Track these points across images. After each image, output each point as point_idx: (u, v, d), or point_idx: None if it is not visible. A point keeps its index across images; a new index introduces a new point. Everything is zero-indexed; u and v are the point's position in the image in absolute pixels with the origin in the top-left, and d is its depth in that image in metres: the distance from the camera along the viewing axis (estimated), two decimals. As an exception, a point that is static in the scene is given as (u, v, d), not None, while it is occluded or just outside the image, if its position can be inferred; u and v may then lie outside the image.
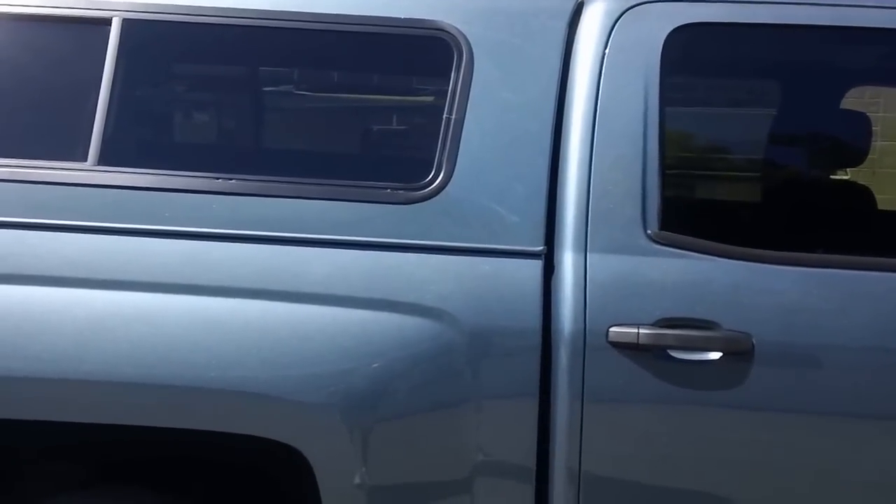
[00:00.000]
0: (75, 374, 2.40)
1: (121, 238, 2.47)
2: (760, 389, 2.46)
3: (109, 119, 2.53)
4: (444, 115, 2.55)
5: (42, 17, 2.62)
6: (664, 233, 2.49)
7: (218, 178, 2.52)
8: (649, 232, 2.49)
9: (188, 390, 2.41)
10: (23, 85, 2.66)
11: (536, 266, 2.48)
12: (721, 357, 2.44)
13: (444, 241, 2.48)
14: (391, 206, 2.50)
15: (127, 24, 2.58)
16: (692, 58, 2.65)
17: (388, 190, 2.52)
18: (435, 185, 2.51)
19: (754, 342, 2.44)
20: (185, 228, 2.48)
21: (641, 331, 2.43)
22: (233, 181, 2.51)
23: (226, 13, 2.60)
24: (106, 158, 2.52)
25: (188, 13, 2.60)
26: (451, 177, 2.51)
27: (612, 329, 2.44)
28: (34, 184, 2.50)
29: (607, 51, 2.56)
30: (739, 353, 2.44)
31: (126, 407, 2.44)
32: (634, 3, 2.58)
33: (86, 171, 2.51)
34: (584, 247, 2.49)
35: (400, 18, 2.58)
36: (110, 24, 2.58)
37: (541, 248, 2.49)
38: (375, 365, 2.43)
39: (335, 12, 2.59)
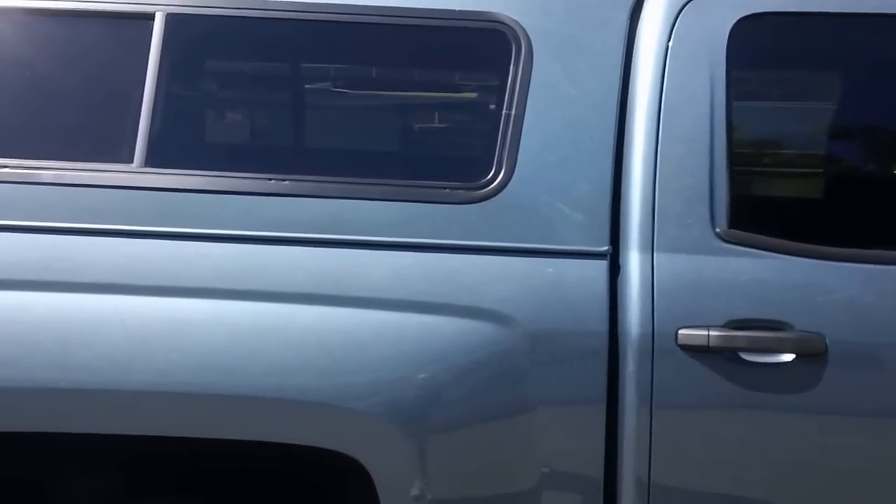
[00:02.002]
0: (124, 385, 2.31)
1: (170, 242, 2.38)
2: (833, 392, 2.37)
3: (155, 119, 2.43)
4: (503, 111, 2.45)
5: (82, 12, 2.51)
6: (733, 231, 2.41)
7: (270, 180, 2.42)
8: (718, 230, 2.40)
9: (241, 400, 2.33)
10: (63, 84, 2.56)
11: (602, 267, 2.39)
12: (794, 359, 2.36)
13: (506, 241, 2.39)
14: (450, 206, 2.41)
15: (171, 19, 2.47)
16: (759, 49, 2.56)
17: (447, 189, 2.42)
18: (495, 183, 2.42)
19: (827, 343, 2.35)
20: (237, 232, 2.38)
21: (712, 333, 2.34)
22: (286, 182, 2.42)
23: (273, 6, 2.50)
24: (152, 160, 2.42)
25: (234, 6, 2.50)
26: (511, 175, 2.42)
27: (681, 331, 2.36)
28: (77, 187, 2.40)
29: (671, 43, 2.47)
30: (812, 354, 2.36)
31: (177, 418, 2.35)
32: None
33: (132, 174, 2.41)
34: (650, 246, 2.40)
35: (455, 11, 2.48)
36: (153, 19, 2.47)
37: (606, 247, 2.40)
38: (436, 372, 2.34)
39: (387, 5, 2.49)
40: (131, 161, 2.42)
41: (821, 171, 2.89)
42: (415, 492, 2.35)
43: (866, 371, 2.39)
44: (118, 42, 2.54)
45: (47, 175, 2.40)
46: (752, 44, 2.50)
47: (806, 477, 2.41)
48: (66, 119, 2.55)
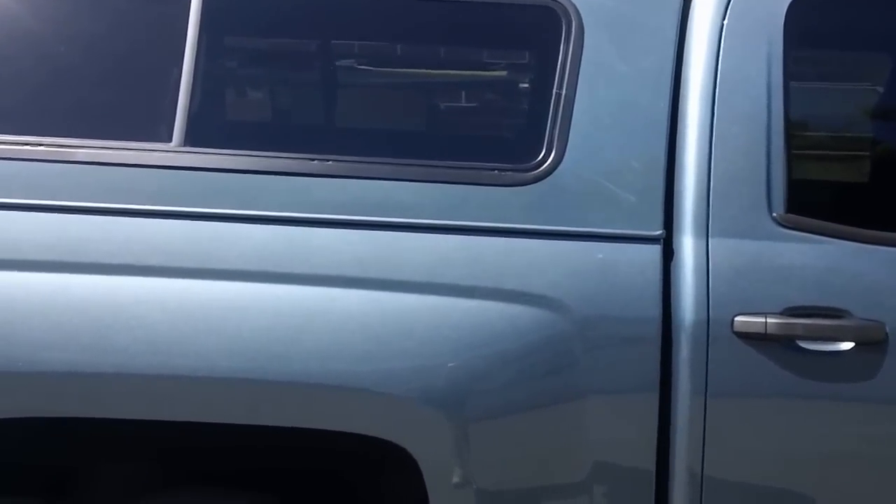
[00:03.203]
0: (163, 369, 2.24)
1: (212, 224, 2.30)
2: (893, 381, 2.30)
3: (194, 96, 2.35)
4: (554, 90, 2.37)
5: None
6: (790, 216, 2.33)
7: (314, 160, 2.34)
8: (774, 215, 2.33)
9: (284, 385, 2.25)
10: (97, 59, 2.48)
11: (655, 251, 2.32)
12: (853, 347, 2.29)
13: (556, 225, 2.32)
14: (499, 188, 2.33)
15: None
16: (816, 28, 2.48)
17: (496, 171, 2.35)
18: (546, 165, 2.34)
19: (888, 331, 2.28)
20: (279, 213, 2.31)
21: (769, 320, 2.27)
22: (329, 163, 2.34)
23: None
24: (192, 139, 2.34)
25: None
26: (562, 156, 2.34)
27: (737, 318, 2.28)
28: (114, 166, 2.32)
29: (726, 21, 2.39)
30: (872, 342, 2.29)
31: (216, 404, 2.28)
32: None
33: (171, 153, 2.33)
34: (705, 230, 2.33)
35: (503, -14, 2.41)
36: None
37: (660, 231, 2.32)
38: (484, 357, 2.27)
39: None
40: (170, 140, 2.34)
41: (881, 155, 2.81)
42: (461, 480, 2.29)
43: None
44: (153, 13, 2.45)
45: (83, 154, 2.32)
46: (809, 22, 2.42)
47: (863, 467, 2.34)
48: (102, 96, 2.46)
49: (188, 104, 2.34)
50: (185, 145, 2.34)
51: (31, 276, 2.26)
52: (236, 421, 2.28)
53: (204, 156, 2.33)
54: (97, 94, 2.47)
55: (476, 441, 2.28)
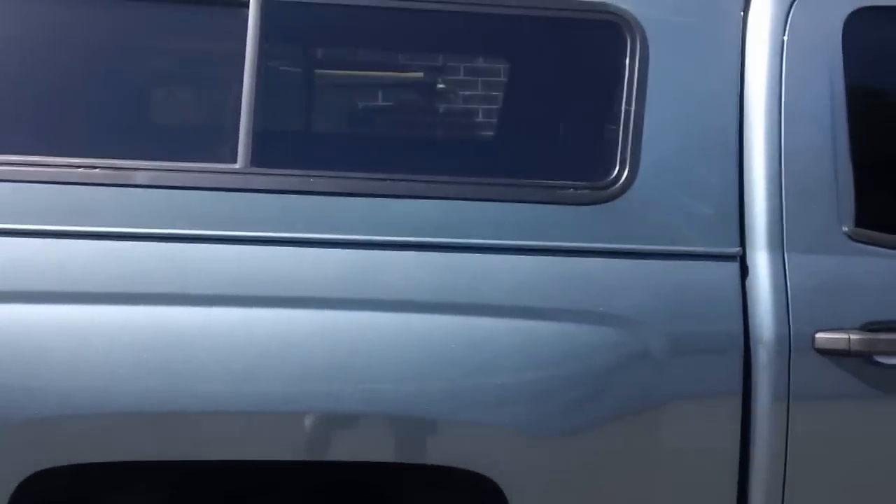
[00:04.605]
0: (235, 406, 2.11)
1: (283, 249, 2.18)
2: None
3: (258, 115, 2.22)
4: (623, 107, 2.33)
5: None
6: (860, 230, 2.34)
7: (385, 180, 2.24)
8: (845, 229, 2.33)
9: (358, 417, 2.15)
10: (154, 77, 2.33)
11: (734, 269, 2.29)
12: (931, 361, 2.31)
13: (633, 244, 2.27)
14: (575, 207, 2.27)
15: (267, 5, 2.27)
16: (875, 42, 2.49)
17: (572, 190, 2.29)
18: (620, 182, 2.29)
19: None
20: (351, 237, 2.20)
21: (852, 336, 2.27)
22: (403, 182, 2.24)
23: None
24: (258, 159, 2.22)
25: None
26: (636, 173, 2.30)
27: (818, 335, 2.27)
28: (176, 189, 2.18)
29: (786, 37, 2.39)
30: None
31: (291, 440, 2.16)
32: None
33: (237, 175, 2.20)
34: (780, 246, 2.31)
35: (567, 1, 2.35)
36: (248, 6, 2.26)
37: (737, 249, 2.30)
38: (568, 381, 2.21)
39: None
40: (234, 161, 2.21)
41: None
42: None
43: None
44: (214, 29, 2.32)
45: (141, 176, 2.18)
46: (866, 37, 2.43)
47: None
48: (161, 116, 2.31)
49: (251, 123, 2.21)
50: (252, 166, 2.21)
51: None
52: (307, 458, 2.17)
53: (271, 177, 2.21)
54: (158, 113, 2.32)
55: (564, 467, 2.22)
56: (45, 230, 2.11)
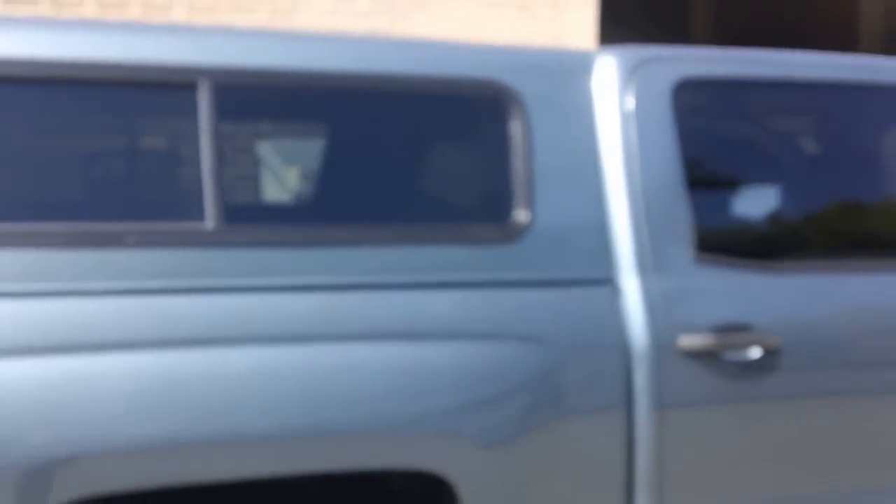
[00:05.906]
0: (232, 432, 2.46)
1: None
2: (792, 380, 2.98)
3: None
4: (512, 162, 2.84)
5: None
6: (703, 253, 2.94)
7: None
8: (692, 253, 2.92)
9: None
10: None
11: (610, 290, 2.84)
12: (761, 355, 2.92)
13: (536, 274, 2.78)
14: (489, 245, 2.76)
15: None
16: (693, 106, 3.09)
17: (481, 230, 2.77)
18: (522, 223, 2.79)
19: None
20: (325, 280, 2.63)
21: (706, 338, 2.86)
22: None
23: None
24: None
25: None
26: (533, 216, 2.81)
27: (681, 337, 2.85)
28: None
29: (628, 102, 2.96)
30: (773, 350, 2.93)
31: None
32: (642, 59, 3.01)
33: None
34: (644, 269, 2.88)
35: (465, 80, 2.84)
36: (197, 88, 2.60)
37: (611, 273, 2.85)
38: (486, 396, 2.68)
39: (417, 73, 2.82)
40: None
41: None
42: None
43: None
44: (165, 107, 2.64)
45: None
46: (690, 102, 3.05)
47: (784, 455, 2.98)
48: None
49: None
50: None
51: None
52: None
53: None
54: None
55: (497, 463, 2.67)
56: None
